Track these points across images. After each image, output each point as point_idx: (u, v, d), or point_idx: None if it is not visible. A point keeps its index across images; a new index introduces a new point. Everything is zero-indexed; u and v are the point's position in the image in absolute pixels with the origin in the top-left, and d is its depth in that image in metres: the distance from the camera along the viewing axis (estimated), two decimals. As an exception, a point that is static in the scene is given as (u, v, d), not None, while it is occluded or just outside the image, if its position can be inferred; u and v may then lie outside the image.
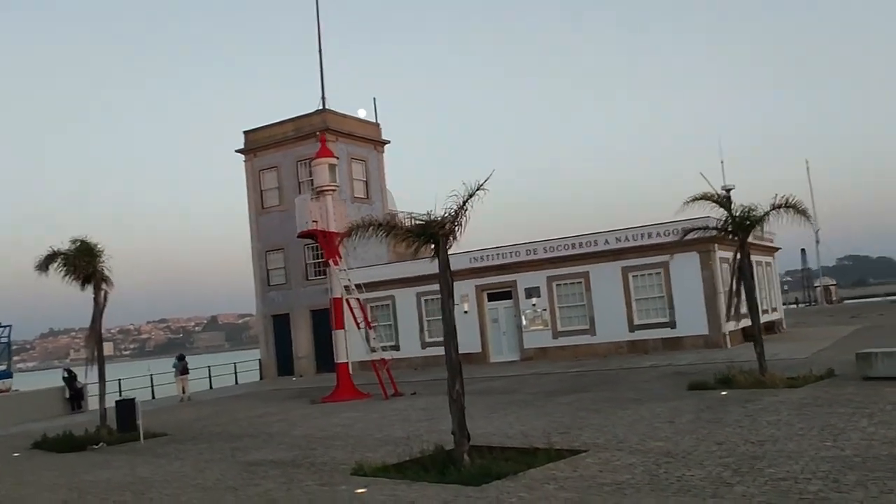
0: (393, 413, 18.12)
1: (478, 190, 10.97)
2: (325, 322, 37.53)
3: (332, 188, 24.54)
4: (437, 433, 13.95)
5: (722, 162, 40.38)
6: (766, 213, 17.33)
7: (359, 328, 24.13)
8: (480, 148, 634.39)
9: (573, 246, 31.58)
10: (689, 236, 19.21)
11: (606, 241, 30.87)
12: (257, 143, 39.48)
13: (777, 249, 40.18)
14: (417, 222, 11.09)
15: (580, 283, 31.43)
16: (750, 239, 33.08)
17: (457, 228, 11.09)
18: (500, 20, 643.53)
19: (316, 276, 37.86)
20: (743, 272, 17.50)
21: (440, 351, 34.46)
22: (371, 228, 11.26)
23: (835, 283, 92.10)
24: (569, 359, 30.40)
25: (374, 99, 42.40)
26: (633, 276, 30.36)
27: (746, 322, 32.33)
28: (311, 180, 37.49)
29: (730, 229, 17.66)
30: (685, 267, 29.31)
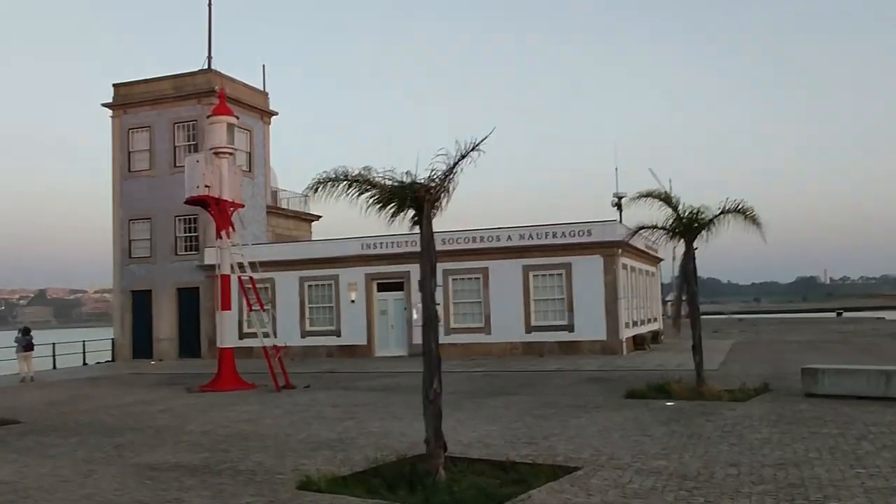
0: (300, 409, 15.82)
1: (472, 150, 9.09)
2: (192, 302, 34.28)
3: (229, 151, 21.75)
4: (371, 435, 11.96)
5: (616, 169, 40.02)
6: (715, 217, 16.46)
7: (251, 310, 21.50)
8: (375, 131, 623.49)
9: (473, 240, 30.20)
10: (636, 236, 18.09)
11: (509, 238, 29.69)
12: (129, 99, 35.48)
13: (661, 260, 40.64)
14: (395, 183, 9.05)
15: (478, 279, 30.10)
16: (641, 246, 32.83)
17: (443, 195, 9.18)
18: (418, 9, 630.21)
19: (186, 251, 34.47)
20: (688, 278, 16.56)
21: (321, 341, 32.01)
22: (343, 184, 9.07)
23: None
24: (461, 357, 28.91)
25: (263, 66, 39.17)
26: (534, 276, 29.34)
27: (638, 330, 32.32)
28: (191, 145, 34.24)
29: (677, 231, 16.63)
30: (588, 270, 28.61)
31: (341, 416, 14.35)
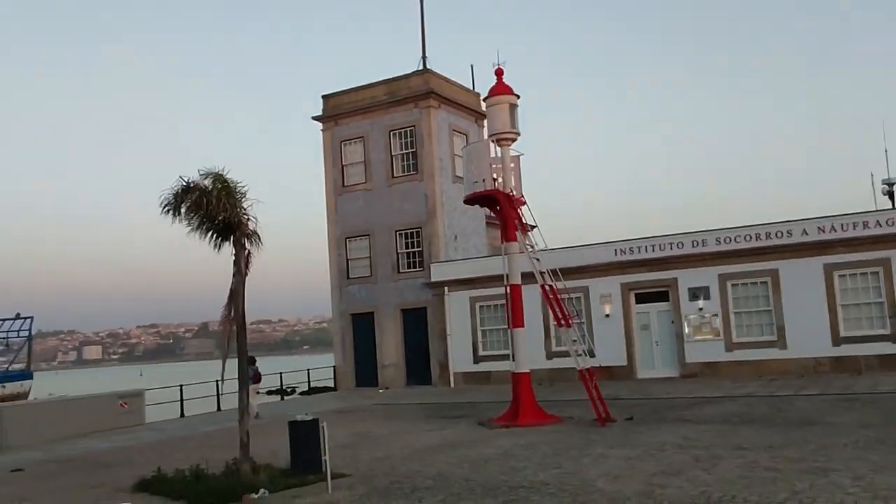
0: (699, 452, 11.68)
1: None
2: (418, 323, 31.20)
3: (513, 136, 18.29)
4: None
5: (885, 151, 33.79)
6: None
7: (559, 325, 17.83)
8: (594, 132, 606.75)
9: (756, 237, 25.40)
10: None
11: (804, 232, 24.70)
12: (339, 110, 33.15)
13: None
14: None
15: (765, 283, 25.26)
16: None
17: None
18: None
19: (410, 268, 31.52)
20: None
21: (568, 363, 27.88)
22: None
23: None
24: (748, 377, 24.27)
25: (472, 66, 36.12)
26: (840, 276, 24.20)
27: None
28: (409, 153, 31.53)
29: None
30: (913, 265, 23.23)
31: (796, 469, 10.11)
